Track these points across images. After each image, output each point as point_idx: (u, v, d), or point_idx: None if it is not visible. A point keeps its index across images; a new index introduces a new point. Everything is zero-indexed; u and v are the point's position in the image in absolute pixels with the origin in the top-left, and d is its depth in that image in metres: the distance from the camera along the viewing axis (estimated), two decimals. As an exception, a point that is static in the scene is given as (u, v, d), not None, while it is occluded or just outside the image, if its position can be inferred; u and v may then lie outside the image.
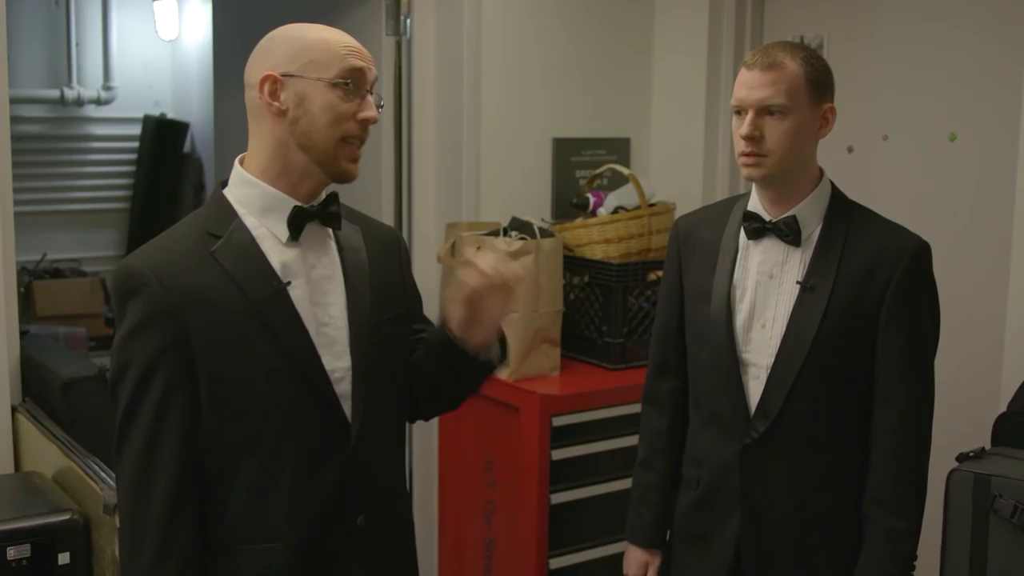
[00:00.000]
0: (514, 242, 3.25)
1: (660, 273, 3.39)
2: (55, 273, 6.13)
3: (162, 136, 6.46)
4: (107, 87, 6.32)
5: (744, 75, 2.03)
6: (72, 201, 6.35)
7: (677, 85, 3.83)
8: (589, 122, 3.81)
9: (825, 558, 2.09)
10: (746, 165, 2.03)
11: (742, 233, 2.12)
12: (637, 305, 3.41)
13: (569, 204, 3.65)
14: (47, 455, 2.62)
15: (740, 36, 3.69)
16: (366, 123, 1.73)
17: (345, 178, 1.74)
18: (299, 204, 1.73)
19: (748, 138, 2.00)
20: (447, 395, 2.03)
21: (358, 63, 1.72)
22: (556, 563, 3.21)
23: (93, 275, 6.22)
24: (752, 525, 2.09)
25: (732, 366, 2.09)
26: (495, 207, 3.57)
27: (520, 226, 3.37)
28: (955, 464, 2.27)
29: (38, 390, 2.85)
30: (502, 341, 1.93)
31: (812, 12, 3.56)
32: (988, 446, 2.41)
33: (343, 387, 1.75)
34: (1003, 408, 2.57)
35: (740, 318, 2.10)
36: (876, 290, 2.01)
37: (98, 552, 2.33)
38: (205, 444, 1.67)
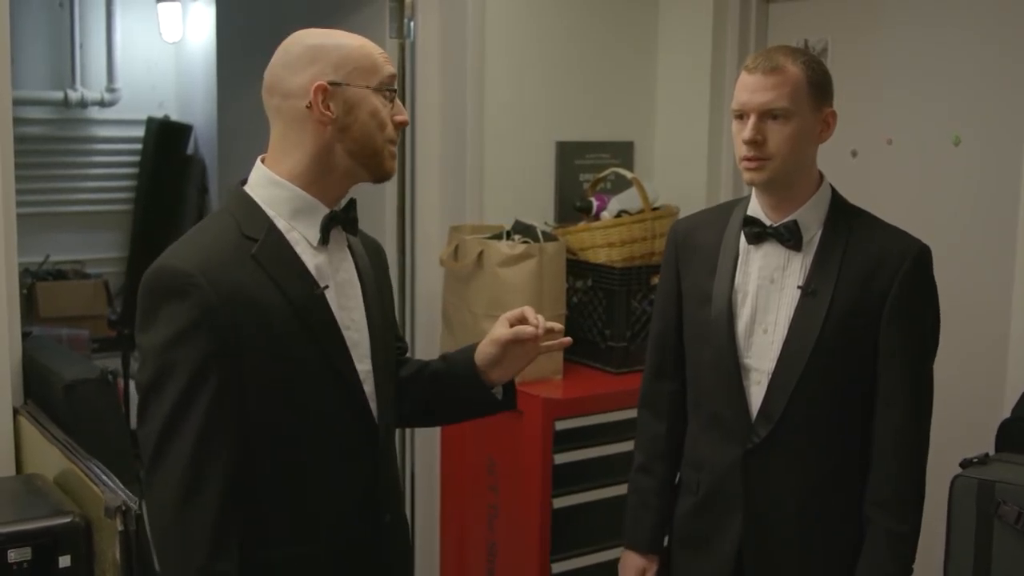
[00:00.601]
0: (517, 245, 3.25)
1: (663, 277, 3.41)
2: (58, 275, 6.12)
3: (166, 138, 6.46)
4: (111, 89, 6.31)
5: (745, 79, 2.02)
6: (75, 203, 6.34)
7: (681, 88, 3.83)
8: (592, 125, 3.81)
9: (827, 561, 2.09)
10: (748, 169, 2.03)
11: (742, 237, 2.12)
12: (640, 309, 3.41)
13: (572, 207, 3.64)
14: (49, 457, 2.61)
15: (744, 40, 3.69)
16: (402, 125, 1.78)
17: (388, 177, 1.80)
18: (332, 209, 1.76)
19: (751, 142, 2.00)
20: (439, 417, 2.22)
21: (392, 69, 1.77)
22: (558, 567, 3.20)
23: (96, 277, 6.21)
24: (754, 529, 2.09)
25: (733, 371, 2.09)
26: (498, 210, 3.57)
27: (523, 229, 3.37)
28: (959, 470, 2.27)
29: (40, 392, 2.84)
30: (509, 385, 2.02)
31: (816, 15, 3.55)
32: (992, 452, 2.40)
33: (367, 388, 1.80)
34: (1007, 414, 2.56)
35: (741, 323, 2.10)
36: (877, 294, 2.01)
37: (99, 555, 2.32)
38: (249, 446, 1.67)
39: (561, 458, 3.15)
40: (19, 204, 2.87)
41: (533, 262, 3.21)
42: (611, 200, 3.56)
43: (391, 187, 3.70)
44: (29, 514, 2.34)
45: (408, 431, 3.76)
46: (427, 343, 3.62)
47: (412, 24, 3.61)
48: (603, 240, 3.43)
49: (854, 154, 3.39)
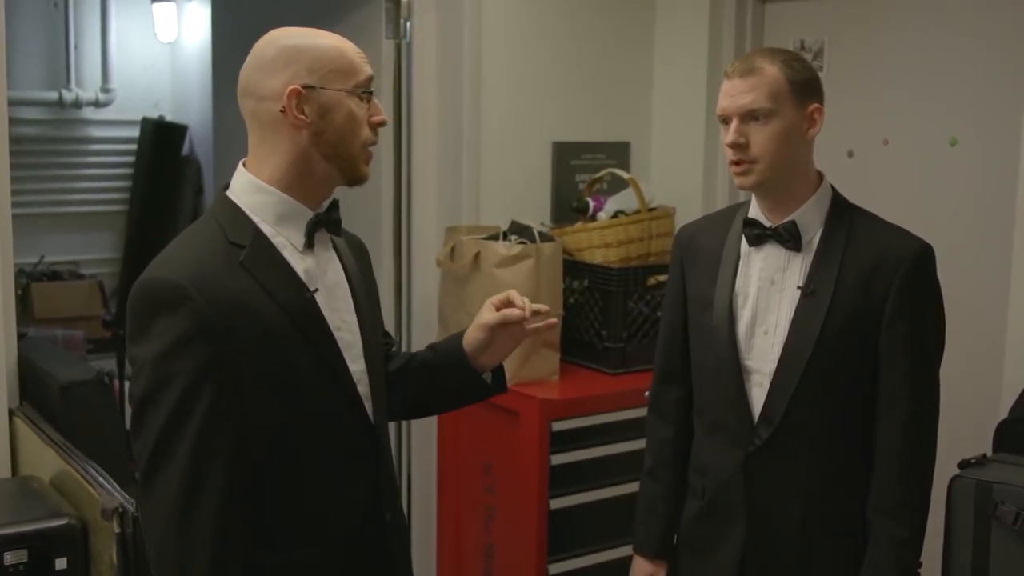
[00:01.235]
0: (514, 246, 3.25)
1: (660, 278, 3.41)
2: (53, 275, 6.11)
3: (161, 138, 6.45)
4: (106, 89, 6.30)
5: (725, 84, 2.04)
6: (70, 203, 6.33)
7: (677, 89, 3.82)
8: (589, 126, 3.81)
9: (830, 567, 2.08)
10: (736, 174, 2.04)
11: (743, 240, 2.12)
12: (637, 309, 3.40)
13: (569, 208, 3.64)
14: (44, 459, 2.60)
15: (740, 41, 3.69)
16: (378, 127, 1.76)
17: (363, 181, 1.78)
18: (316, 212, 1.76)
19: (734, 145, 2.01)
20: (431, 406, 2.25)
21: (370, 70, 1.75)
22: (555, 568, 3.20)
23: (91, 277, 6.20)
24: (756, 534, 2.09)
25: (735, 373, 2.09)
26: (495, 211, 3.57)
27: (520, 230, 3.37)
28: (957, 471, 2.27)
29: (36, 393, 2.84)
30: (498, 369, 2.02)
31: (813, 16, 3.55)
32: (989, 453, 2.41)
33: (362, 389, 1.80)
34: (1004, 414, 2.56)
35: (742, 325, 2.09)
36: (878, 293, 2.00)
37: (95, 557, 2.32)
38: (248, 453, 1.66)
39: (558, 459, 3.15)
40: (14, 205, 2.86)
41: (530, 263, 3.21)
42: (608, 201, 3.56)
43: (387, 188, 3.70)
44: (25, 516, 2.34)
45: (404, 433, 3.76)
46: (423, 344, 3.59)
47: (408, 25, 3.61)
48: (600, 241, 3.43)
49: (851, 155, 3.39)
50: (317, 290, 1.73)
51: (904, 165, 3.29)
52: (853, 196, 2.16)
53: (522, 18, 3.63)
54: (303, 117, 1.68)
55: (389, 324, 3.40)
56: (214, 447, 1.61)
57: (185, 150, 6.51)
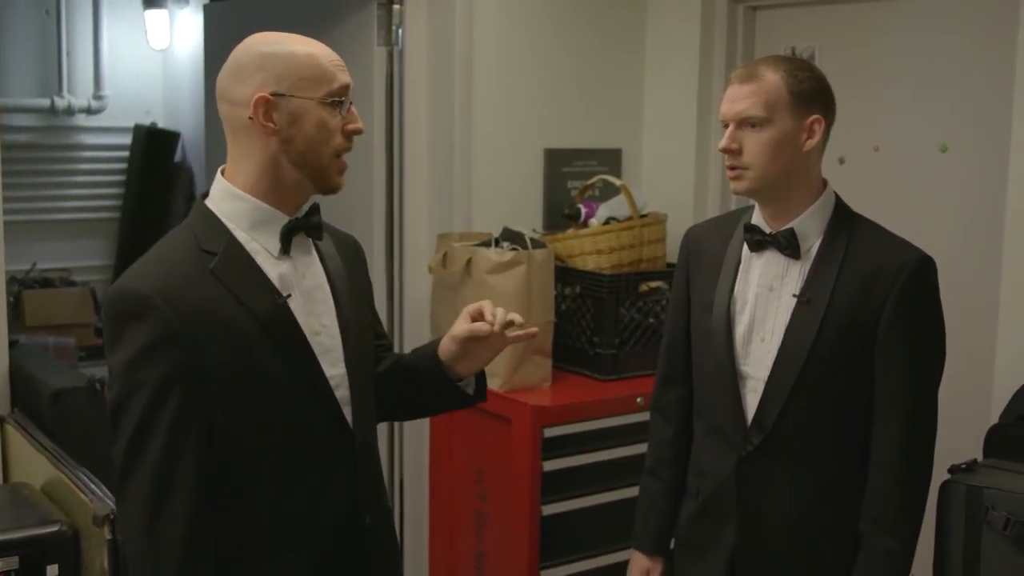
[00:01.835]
0: (506, 253, 3.25)
1: (652, 284, 3.42)
2: (45, 283, 6.10)
3: (153, 145, 6.44)
4: (98, 96, 6.30)
5: (727, 90, 2.05)
6: (62, 210, 6.31)
7: (669, 96, 3.83)
8: (581, 133, 3.82)
9: (821, 571, 2.08)
10: (730, 179, 2.05)
11: (745, 245, 2.12)
12: (629, 316, 3.41)
13: (561, 215, 3.65)
14: (36, 466, 2.60)
15: (732, 48, 3.70)
16: (353, 135, 1.75)
17: (335, 191, 1.77)
18: (290, 218, 1.75)
19: (725, 150, 2.02)
20: (415, 410, 2.21)
21: (346, 79, 1.73)
22: (548, 574, 3.19)
23: (83, 285, 6.19)
24: (747, 536, 2.09)
25: (732, 378, 2.09)
26: (487, 218, 3.57)
27: (511, 237, 3.37)
28: (947, 476, 2.27)
29: (27, 400, 2.83)
30: (480, 375, 2.01)
31: (803, 23, 3.56)
32: (980, 458, 2.41)
33: (341, 393, 1.79)
34: (995, 420, 2.57)
35: (740, 331, 2.10)
36: (874, 304, 1.99)
37: (87, 564, 2.31)
38: (221, 460, 1.67)
39: (550, 465, 3.15)
40: (5, 212, 2.86)
41: (521, 269, 3.21)
42: (599, 207, 3.57)
43: (379, 194, 3.70)
44: (16, 523, 2.33)
45: (396, 439, 3.76)
46: (415, 350, 3.61)
47: (400, 31, 3.61)
48: (591, 247, 3.43)
49: (841, 161, 3.40)
50: (290, 296, 1.72)
51: (895, 171, 3.30)
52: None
53: (514, 25, 3.64)
54: (271, 125, 1.68)
55: (381, 331, 3.39)
56: (182, 452, 1.62)
57: (177, 157, 6.50)
